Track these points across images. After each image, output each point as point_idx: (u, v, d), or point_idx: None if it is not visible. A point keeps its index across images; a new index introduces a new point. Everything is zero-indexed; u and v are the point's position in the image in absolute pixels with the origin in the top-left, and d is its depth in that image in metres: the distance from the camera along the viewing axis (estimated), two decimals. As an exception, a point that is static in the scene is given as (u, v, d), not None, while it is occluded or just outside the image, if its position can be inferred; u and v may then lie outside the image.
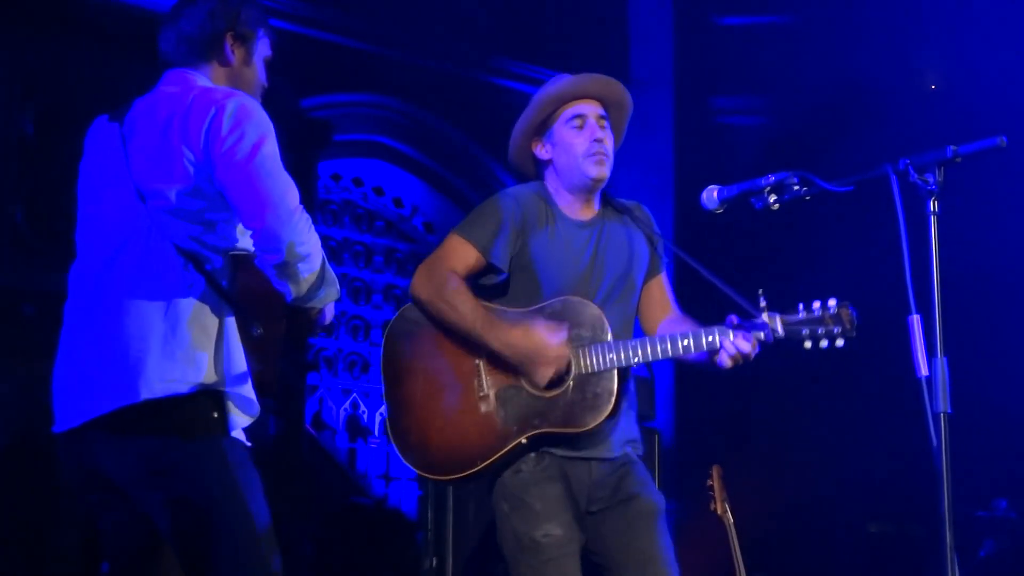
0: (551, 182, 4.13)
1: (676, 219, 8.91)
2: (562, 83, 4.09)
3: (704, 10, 9.36)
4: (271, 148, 3.12)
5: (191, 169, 3.11)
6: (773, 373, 7.94)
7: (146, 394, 3.05)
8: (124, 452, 3.11)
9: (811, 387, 8.18)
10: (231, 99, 3.15)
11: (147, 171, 3.15)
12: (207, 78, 3.33)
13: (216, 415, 3.12)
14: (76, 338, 3.21)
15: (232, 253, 3.20)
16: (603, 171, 4.07)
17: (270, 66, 3.51)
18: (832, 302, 3.86)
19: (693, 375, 8.29)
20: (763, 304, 3.90)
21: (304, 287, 3.16)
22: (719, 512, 5.65)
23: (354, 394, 8.91)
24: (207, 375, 3.10)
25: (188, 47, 3.33)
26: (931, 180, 3.21)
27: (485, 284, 4.02)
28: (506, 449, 3.83)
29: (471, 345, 3.90)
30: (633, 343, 3.91)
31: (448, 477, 3.92)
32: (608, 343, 3.87)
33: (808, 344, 3.88)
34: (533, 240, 3.99)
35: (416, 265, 9.18)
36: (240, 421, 3.17)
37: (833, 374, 8.01)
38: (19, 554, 5.91)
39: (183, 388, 3.08)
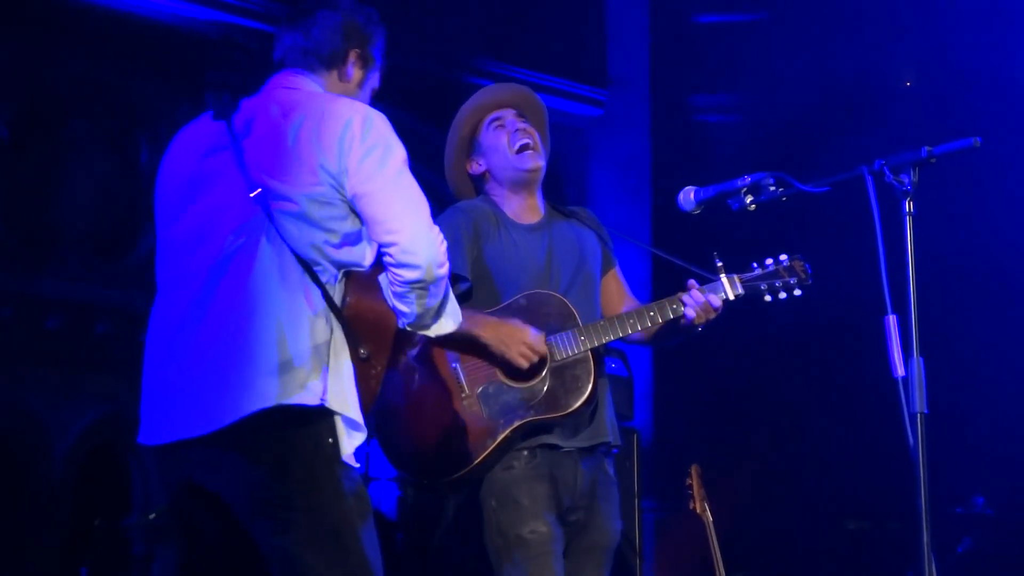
0: (494, 192, 4.26)
1: (653, 218, 8.91)
2: (475, 96, 4.29)
3: (681, 8, 9.37)
4: (407, 164, 3.05)
5: (324, 176, 2.99)
6: (750, 373, 7.98)
7: (277, 400, 2.89)
8: (236, 476, 2.96)
9: (789, 386, 8.20)
10: (366, 109, 3.09)
11: (272, 173, 3.02)
12: (321, 87, 3.25)
13: (331, 440, 2.97)
14: (181, 344, 3.01)
15: (347, 269, 3.08)
16: (536, 161, 4.20)
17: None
18: (783, 256, 4.12)
19: (671, 375, 8.32)
20: (719, 265, 4.10)
21: (429, 311, 3.06)
22: (698, 511, 5.67)
23: (333, 395, 8.87)
24: (323, 392, 2.96)
25: (314, 54, 3.26)
26: (906, 181, 3.23)
27: None
28: (497, 442, 3.90)
29: (447, 350, 3.98)
30: (602, 323, 4.04)
31: (446, 479, 3.95)
32: (578, 328, 3.99)
33: (768, 298, 4.10)
34: (487, 247, 4.11)
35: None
36: (351, 443, 3.03)
37: (811, 373, 8.04)
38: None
39: (309, 401, 2.93)
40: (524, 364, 3.90)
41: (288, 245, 2.99)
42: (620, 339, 4.04)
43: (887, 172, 3.25)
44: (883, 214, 3.23)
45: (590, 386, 3.95)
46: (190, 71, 6.94)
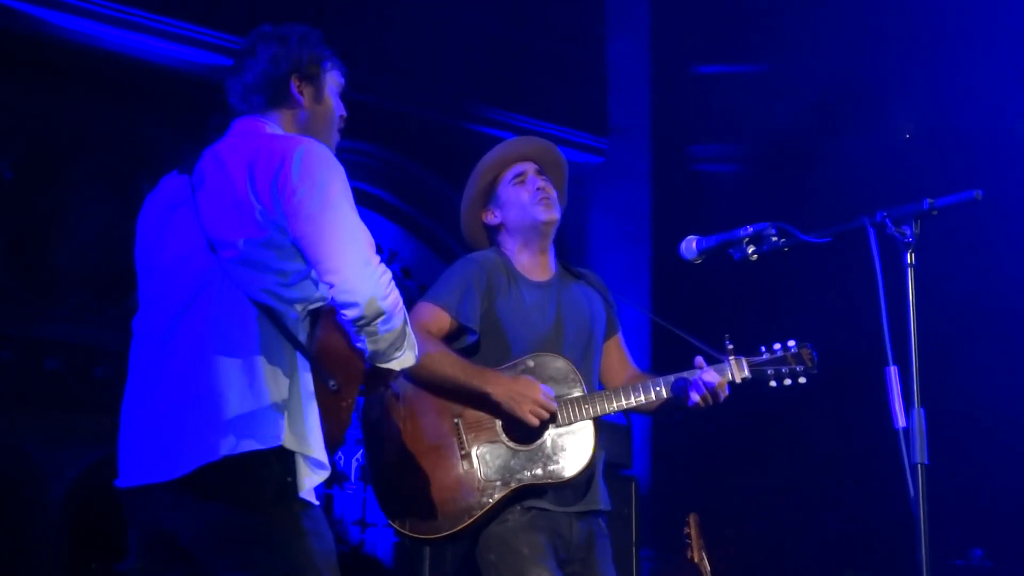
0: (506, 245, 4.25)
1: (652, 266, 8.93)
2: (499, 148, 4.28)
3: (681, 59, 9.42)
4: (344, 195, 3.03)
5: (261, 220, 3.01)
6: (750, 422, 7.96)
7: (225, 451, 2.93)
8: (195, 515, 2.99)
9: (788, 436, 8.19)
10: (298, 147, 3.06)
11: (217, 222, 3.06)
12: (277, 124, 3.26)
13: (289, 479, 2.99)
14: (146, 391, 3.09)
15: (311, 307, 3.10)
16: (551, 213, 4.19)
17: None
18: (791, 342, 4.07)
19: (669, 423, 8.30)
20: (730, 347, 4.06)
21: (383, 345, 3.02)
22: (696, 560, 5.64)
23: (331, 440, 8.86)
24: (284, 434, 2.98)
25: (255, 97, 3.27)
26: (908, 232, 3.23)
27: (456, 347, 4.08)
28: (493, 503, 3.88)
29: (449, 404, 3.98)
30: (607, 393, 4.02)
31: (437, 536, 3.92)
32: (583, 396, 3.98)
33: (773, 383, 4.06)
34: (498, 301, 4.09)
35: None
36: (312, 481, 3.05)
37: (811, 424, 8.03)
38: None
39: (261, 445, 2.95)
40: (535, 422, 3.88)
41: (243, 291, 3.03)
42: (622, 410, 4.02)
43: (889, 224, 3.25)
44: (884, 265, 3.23)
45: (589, 455, 3.93)
46: (192, 114, 6.97)
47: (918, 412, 3.13)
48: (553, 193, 4.22)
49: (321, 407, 3.08)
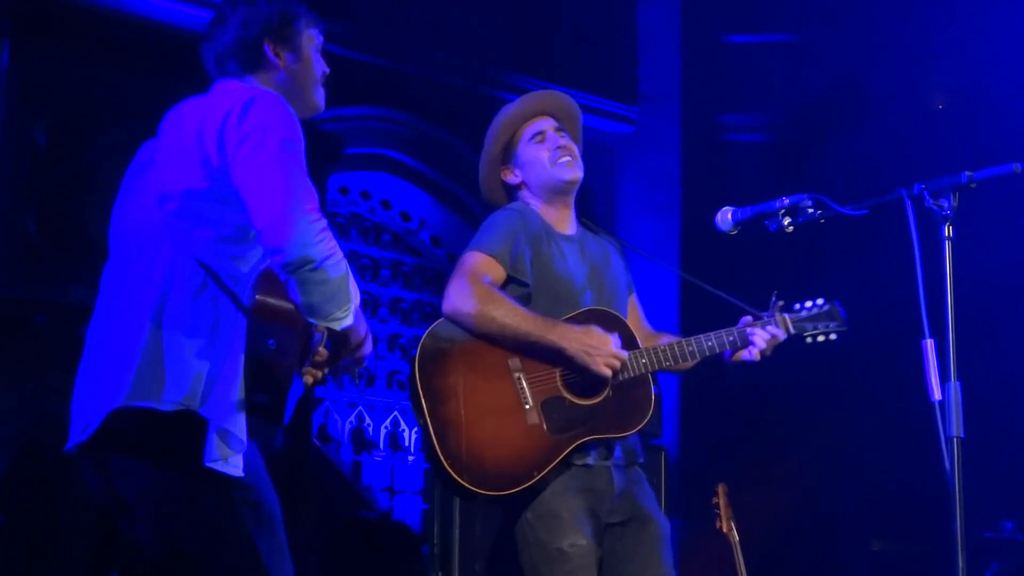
0: (530, 202, 4.19)
1: (683, 236, 8.92)
2: (513, 106, 4.25)
3: (712, 28, 9.38)
4: (288, 145, 2.91)
5: (205, 170, 2.95)
6: (780, 391, 7.96)
7: (121, 403, 2.87)
8: (118, 469, 2.95)
9: (819, 407, 8.18)
10: (249, 96, 2.97)
11: (166, 175, 3.00)
12: (255, 85, 3.17)
13: (202, 446, 2.87)
14: (87, 352, 3.05)
15: (256, 266, 2.99)
16: (575, 172, 4.15)
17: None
18: (821, 300, 4.09)
19: (698, 393, 8.31)
20: (779, 304, 4.06)
21: (316, 297, 2.87)
22: (724, 530, 5.66)
23: (360, 407, 8.91)
24: (193, 397, 2.89)
25: (229, 63, 3.21)
26: (946, 205, 3.23)
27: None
28: (559, 458, 3.84)
29: (510, 357, 3.90)
30: (662, 347, 3.98)
31: (505, 492, 3.84)
32: (640, 349, 3.95)
33: (809, 339, 4.09)
34: (540, 252, 4.04)
35: (422, 279, 9.24)
36: (225, 453, 2.90)
37: (844, 395, 8.03)
38: (29, 563, 5.92)
39: (163, 405, 2.88)
40: (608, 373, 3.84)
41: (184, 248, 2.96)
42: (676, 364, 3.98)
43: (927, 196, 3.24)
44: (921, 237, 3.22)
45: (651, 410, 3.93)
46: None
47: (954, 385, 3.12)
48: (576, 149, 4.18)
49: (258, 369, 2.94)
